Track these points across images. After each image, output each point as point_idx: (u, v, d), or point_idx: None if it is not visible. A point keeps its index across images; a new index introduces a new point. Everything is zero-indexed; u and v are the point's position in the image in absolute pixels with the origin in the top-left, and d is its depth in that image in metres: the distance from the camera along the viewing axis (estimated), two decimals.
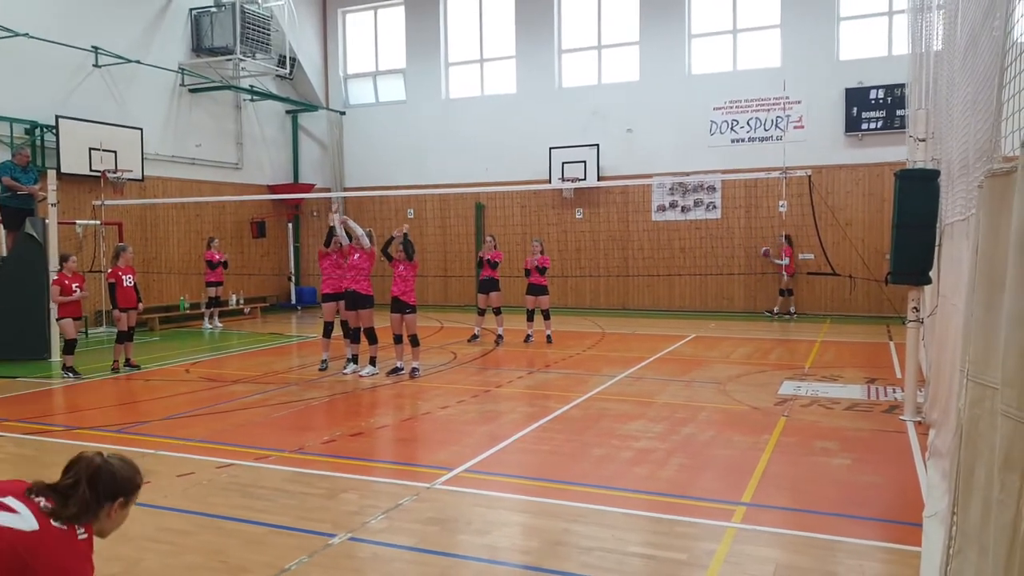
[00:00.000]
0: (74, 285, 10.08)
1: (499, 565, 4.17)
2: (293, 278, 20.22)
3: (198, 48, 17.33)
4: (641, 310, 17.70)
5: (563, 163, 17.91)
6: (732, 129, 17.04)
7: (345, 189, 20.29)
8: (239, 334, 14.95)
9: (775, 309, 16.12)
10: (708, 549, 4.31)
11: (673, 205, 17.57)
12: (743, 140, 16.93)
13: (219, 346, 13.43)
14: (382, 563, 4.22)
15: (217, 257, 15.79)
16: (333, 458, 6.23)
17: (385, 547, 4.40)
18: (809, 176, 11.61)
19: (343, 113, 20.77)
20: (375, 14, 20.66)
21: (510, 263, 18.66)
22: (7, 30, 13.08)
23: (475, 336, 12.91)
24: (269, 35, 17.81)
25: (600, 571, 4.05)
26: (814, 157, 15.73)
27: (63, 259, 10.33)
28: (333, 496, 5.29)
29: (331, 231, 10.37)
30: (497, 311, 12.75)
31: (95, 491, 2.39)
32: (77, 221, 13.61)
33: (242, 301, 17.79)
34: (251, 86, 18.42)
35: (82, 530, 2.36)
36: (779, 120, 16.56)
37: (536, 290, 12.73)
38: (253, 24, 17.31)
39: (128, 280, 10.55)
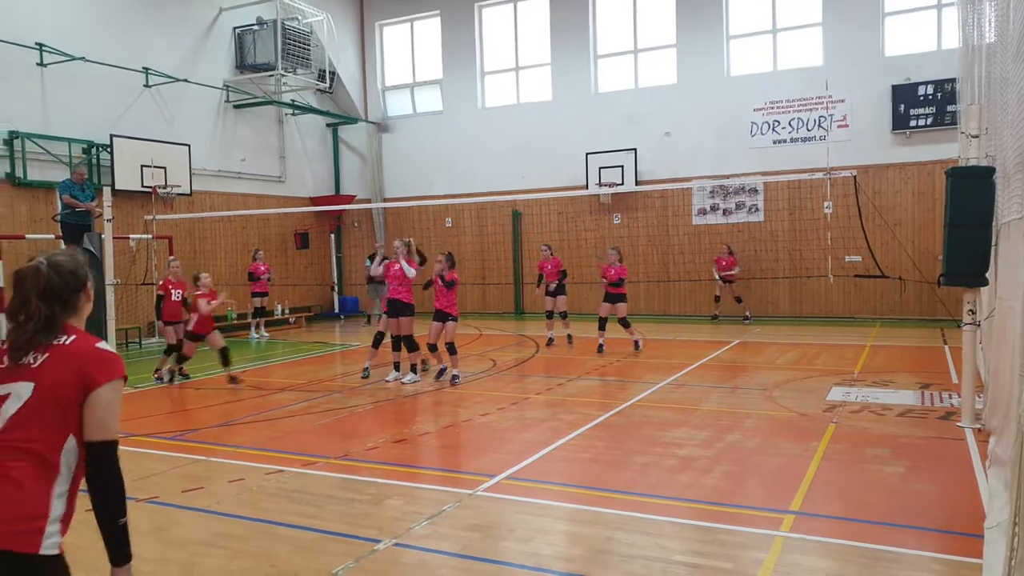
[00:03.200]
0: (205, 299, 10.06)
1: (543, 572, 4.18)
2: (336, 288, 20.52)
3: (241, 65, 17.75)
4: (682, 316, 17.55)
5: (600, 168, 17.88)
6: (773, 130, 16.82)
7: (384, 200, 20.55)
8: (284, 343, 15.22)
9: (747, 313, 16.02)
10: (755, 558, 4.25)
11: (714, 208, 17.39)
12: (785, 141, 16.70)
13: (265, 355, 13.68)
14: (428, 569, 4.26)
15: (262, 268, 16.15)
16: (377, 464, 6.31)
17: (430, 553, 4.44)
18: (855, 176, 11.38)
19: (382, 125, 21.05)
20: (411, 26, 20.92)
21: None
22: (65, 54, 13.58)
23: (550, 340, 13.34)
24: (309, 50, 18.16)
25: None
26: (860, 156, 15.44)
27: (195, 279, 10.30)
28: (378, 502, 5.36)
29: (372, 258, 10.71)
30: (563, 315, 13.35)
31: (52, 301, 2.34)
32: (131, 236, 14.03)
33: (287, 311, 18.12)
34: (292, 100, 18.80)
35: (65, 338, 2.33)
36: (822, 120, 16.29)
37: (615, 298, 12.49)
38: (294, 40, 17.68)
39: (177, 294, 10.71)
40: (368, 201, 20.41)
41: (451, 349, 10.02)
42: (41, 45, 13.44)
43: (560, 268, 13.67)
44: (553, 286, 13.54)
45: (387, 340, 10.62)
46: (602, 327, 12.58)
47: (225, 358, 10.12)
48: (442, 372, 10.23)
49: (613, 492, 5.47)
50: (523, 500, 5.36)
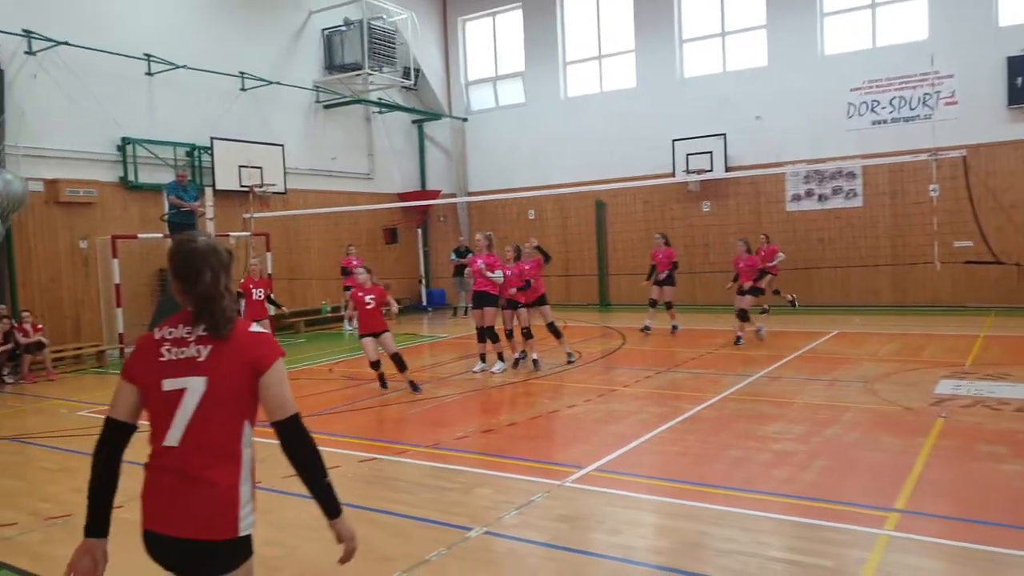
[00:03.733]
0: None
1: (633, 565, 4.14)
2: (423, 281, 20.91)
3: (330, 66, 18.28)
4: (777, 306, 16.97)
5: (687, 155, 17.49)
6: (872, 111, 16.02)
7: (468, 194, 20.77)
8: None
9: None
10: (858, 557, 4.09)
11: (809, 194, 16.74)
12: (885, 121, 15.87)
13: (358, 347, 14.06)
14: (518, 558, 4.29)
15: (354, 263, 16.57)
16: (467, 453, 6.40)
17: (520, 542, 4.47)
18: (964, 157, 10.71)
19: (465, 119, 21.27)
20: (493, 20, 21.01)
21: (633, 260, 18.48)
22: (169, 63, 14.34)
23: (646, 327, 13.31)
24: (394, 48, 18.51)
25: (741, 575, 3.93)
26: (970, 135, 14.49)
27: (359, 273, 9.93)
28: (468, 491, 5.44)
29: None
30: (668, 305, 13.43)
31: (228, 280, 2.39)
32: (230, 233, 14.70)
33: None
34: (379, 99, 19.22)
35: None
36: (927, 97, 15.40)
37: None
38: (380, 39, 18.06)
39: (258, 294, 10.74)
40: (453, 195, 20.68)
41: (528, 334, 10.26)
42: (149, 56, 14.23)
43: (672, 259, 13.48)
44: (663, 275, 13.44)
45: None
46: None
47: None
48: (522, 357, 10.46)
49: (705, 486, 5.37)
50: (612, 492, 5.32)
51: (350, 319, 15.64)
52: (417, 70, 19.64)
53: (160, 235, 14.06)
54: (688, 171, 17.20)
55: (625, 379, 9.59)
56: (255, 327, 2.47)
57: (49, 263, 12.96)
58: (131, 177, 14.04)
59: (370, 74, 17.89)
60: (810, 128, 16.38)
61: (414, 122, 21.13)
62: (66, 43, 12.72)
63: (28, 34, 12.45)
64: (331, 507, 2.45)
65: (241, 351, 2.34)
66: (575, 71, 19.83)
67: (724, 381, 9.08)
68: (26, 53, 12.53)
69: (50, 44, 12.62)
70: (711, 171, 16.92)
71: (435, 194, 20.38)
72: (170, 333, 2.36)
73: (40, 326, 11.87)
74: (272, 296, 11.22)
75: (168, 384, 2.31)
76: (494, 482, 5.64)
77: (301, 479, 2.40)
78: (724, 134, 17.20)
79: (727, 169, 16.94)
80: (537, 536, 4.55)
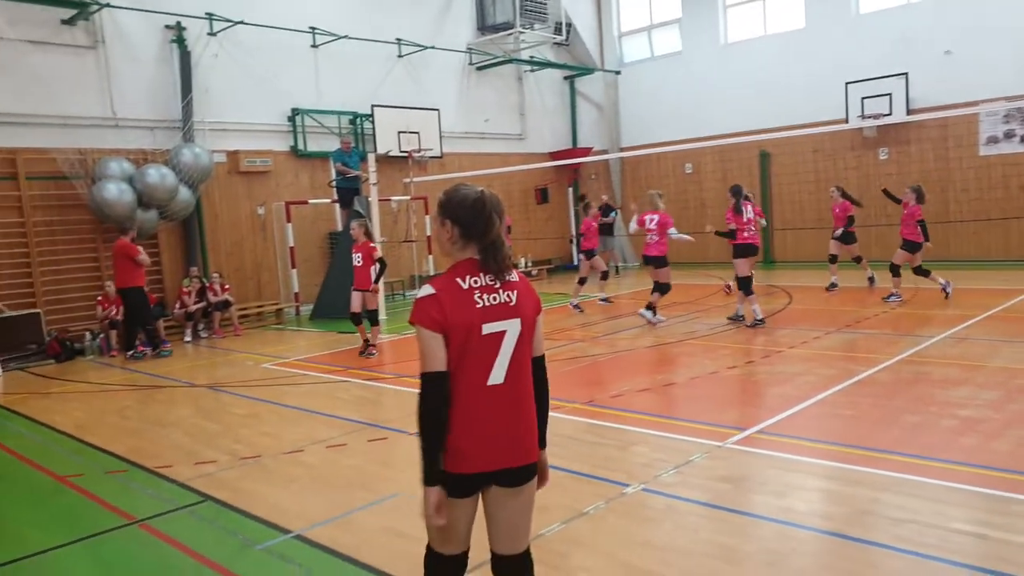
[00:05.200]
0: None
1: (799, 528, 3.97)
2: (574, 240, 20.88)
3: (482, 27, 18.43)
4: (966, 261, 15.41)
5: (863, 98, 16.09)
6: None
7: (621, 149, 20.37)
8: None
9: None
10: None
11: (1009, 135, 14.93)
12: None
13: None
14: (677, 515, 4.24)
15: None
16: (622, 412, 6.38)
17: (678, 500, 4.41)
18: None
19: (618, 73, 20.77)
20: None
21: (802, 213, 17.41)
22: (332, 34, 15.08)
23: (832, 285, 12.79)
24: (545, 4, 18.32)
25: (918, 546, 3.66)
26: None
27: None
28: (624, 448, 5.43)
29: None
30: (858, 259, 12.88)
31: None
32: (392, 198, 15.38)
33: (529, 264, 18.84)
34: (531, 57, 19.19)
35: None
36: None
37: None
38: None
39: (357, 259, 9.79)
40: (604, 152, 20.38)
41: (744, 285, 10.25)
42: (313, 28, 15.02)
43: (848, 212, 12.67)
44: (839, 232, 12.77)
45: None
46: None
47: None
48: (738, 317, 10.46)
49: (878, 452, 5.02)
50: (776, 455, 5.11)
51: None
52: (569, 25, 19.39)
53: (328, 200, 14.96)
54: (863, 116, 15.86)
55: (790, 340, 9.12)
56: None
57: (232, 228, 14.19)
58: (300, 146, 14.99)
59: (522, 32, 17.87)
60: (1013, 61, 14.49)
61: (565, 78, 20.94)
62: (241, 22, 13.68)
63: (210, 16, 13.50)
64: (544, 437, 2.69)
65: (531, 294, 2.61)
66: (736, 14, 18.74)
67: (902, 343, 8.41)
68: (208, 34, 13.62)
69: (228, 24, 13.62)
70: (890, 115, 15.51)
71: (586, 151, 20.19)
72: (475, 282, 2.50)
73: (227, 286, 13.08)
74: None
75: (488, 328, 2.48)
76: (651, 440, 5.59)
77: (543, 410, 2.65)
78: (906, 73, 15.65)
79: (908, 112, 15.46)
80: (696, 495, 4.47)
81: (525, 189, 19.80)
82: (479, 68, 18.55)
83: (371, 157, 13.21)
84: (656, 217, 10.54)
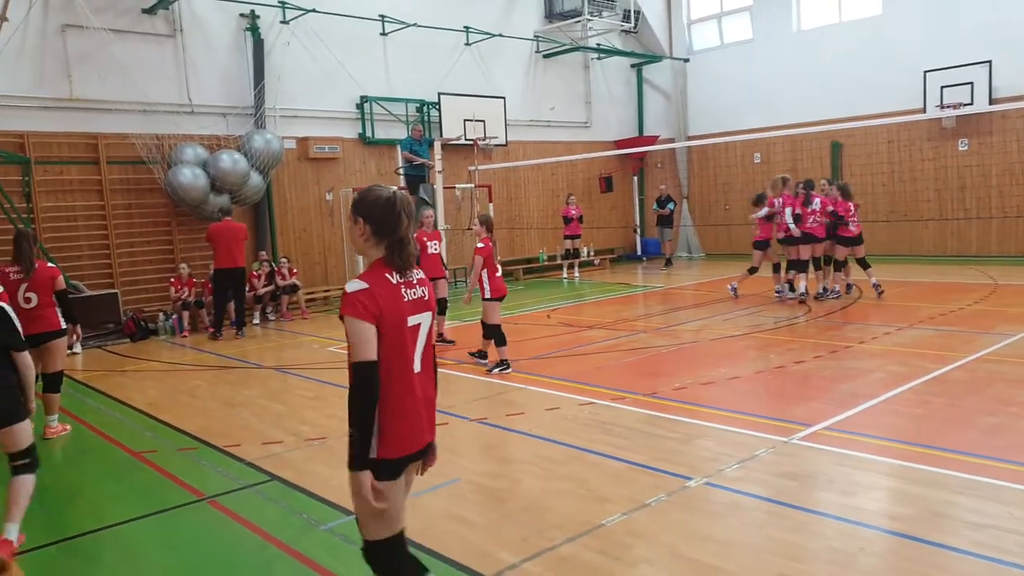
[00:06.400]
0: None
1: (867, 528, 3.87)
2: (638, 230, 20.67)
3: (550, 14, 18.34)
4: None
5: (942, 87, 15.43)
6: None
7: (688, 138, 20.03)
8: (590, 283, 15.80)
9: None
10: None
11: None
12: None
13: (574, 294, 14.34)
14: (741, 511, 4.18)
15: (572, 212, 16.94)
16: (685, 404, 6.30)
17: (742, 495, 4.35)
18: None
19: (687, 60, 20.40)
20: None
21: (875, 204, 16.83)
22: (400, 22, 15.23)
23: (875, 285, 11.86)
24: None
25: (995, 551, 3.52)
26: None
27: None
28: (687, 441, 5.37)
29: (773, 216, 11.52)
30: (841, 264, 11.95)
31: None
32: (456, 185, 15.49)
33: (592, 253, 18.74)
34: (598, 44, 19.00)
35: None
36: None
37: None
38: None
39: (433, 247, 9.49)
40: (671, 141, 20.07)
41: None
42: (383, 16, 15.19)
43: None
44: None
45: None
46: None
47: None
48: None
49: (952, 453, 4.85)
50: (844, 452, 4.98)
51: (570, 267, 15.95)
52: (637, 12, 19.13)
53: (394, 188, 15.14)
54: (942, 105, 15.20)
55: (860, 335, 8.85)
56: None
57: (301, 214, 14.53)
58: (368, 133, 15.22)
59: (589, 19, 17.72)
60: None
61: (633, 66, 20.67)
62: (313, 10, 13.94)
63: (283, 4, 13.81)
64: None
65: (432, 290, 2.86)
66: (810, 1, 18.17)
67: (980, 340, 8.07)
68: (281, 23, 13.92)
69: (300, 12, 13.90)
70: (971, 104, 14.83)
71: (652, 140, 19.91)
72: (397, 279, 2.67)
73: (295, 270, 13.41)
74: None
75: (412, 320, 2.68)
76: (714, 434, 5.52)
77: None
78: (989, 61, 14.93)
79: (991, 101, 14.74)
80: (760, 491, 4.40)
81: (589, 178, 19.67)
82: (545, 56, 18.47)
83: (437, 144, 13.32)
84: (781, 200, 11.24)
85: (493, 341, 8.03)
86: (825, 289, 11.50)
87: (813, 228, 11.09)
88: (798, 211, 11.07)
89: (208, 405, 7.38)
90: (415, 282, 2.72)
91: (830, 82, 17.21)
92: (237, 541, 4.22)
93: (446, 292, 9.98)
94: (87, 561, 4.09)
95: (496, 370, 7.77)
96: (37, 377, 5.08)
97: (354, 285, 2.58)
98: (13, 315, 4.24)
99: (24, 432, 4.14)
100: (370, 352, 2.52)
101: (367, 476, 2.54)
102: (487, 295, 8.07)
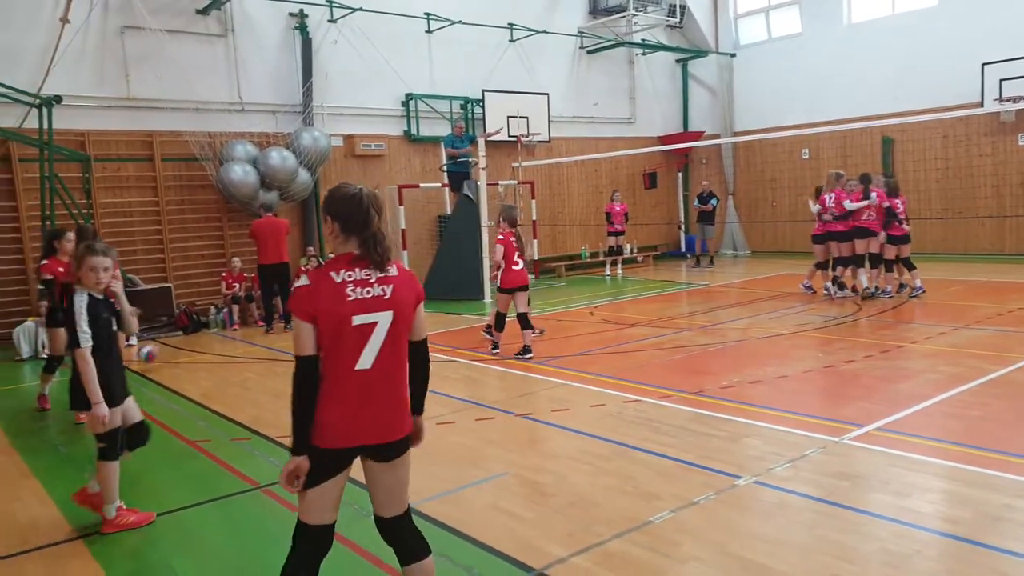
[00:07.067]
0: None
1: (922, 531, 3.80)
2: (682, 227, 20.46)
3: (594, 10, 18.25)
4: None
5: (1001, 80, 14.95)
6: None
7: (734, 133, 19.76)
8: (634, 280, 15.71)
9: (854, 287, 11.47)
10: None
11: None
12: None
13: (617, 291, 14.28)
14: (791, 511, 4.14)
15: (617, 209, 16.89)
16: (732, 403, 6.24)
17: (792, 495, 4.30)
18: None
19: (733, 55, 20.12)
20: None
21: (928, 202, 16.40)
22: (445, 19, 15.33)
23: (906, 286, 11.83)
24: None
25: None
26: None
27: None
28: (735, 440, 5.32)
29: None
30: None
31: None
32: (500, 182, 15.53)
33: (635, 249, 18.62)
34: (643, 40, 18.85)
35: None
36: None
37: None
38: None
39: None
40: (716, 136, 19.82)
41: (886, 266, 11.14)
42: (428, 14, 15.30)
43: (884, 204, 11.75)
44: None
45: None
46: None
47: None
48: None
49: (1011, 456, 4.72)
50: (897, 453, 4.89)
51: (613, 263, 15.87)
52: (683, 6, 18.94)
53: (438, 184, 15.27)
54: (1001, 99, 14.73)
55: (914, 335, 8.65)
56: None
57: None
58: (413, 131, 15.35)
59: (634, 15, 17.60)
60: None
61: (678, 61, 20.47)
62: (360, 9, 14.11)
63: (331, 3, 14.01)
64: (422, 405, 2.94)
65: (411, 286, 2.81)
66: None
67: None
68: (328, 21, 14.13)
69: (347, 11, 14.08)
70: None
71: (698, 135, 19.69)
72: (349, 276, 2.67)
73: None
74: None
75: (359, 319, 2.65)
76: (763, 433, 5.46)
77: (419, 392, 2.91)
78: None
79: None
80: (811, 491, 4.34)
81: (632, 174, 19.54)
82: (589, 52, 18.40)
83: (480, 141, 13.39)
84: (833, 195, 11.28)
85: (521, 329, 8.53)
86: (877, 288, 11.29)
87: (869, 222, 10.99)
88: (851, 202, 10.98)
89: (259, 397, 7.55)
90: (375, 281, 2.68)
91: (881, 76, 16.81)
92: (291, 528, 4.29)
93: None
94: (150, 543, 4.23)
95: (517, 357, 8.34)
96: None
97: (301, 281, 2.70)
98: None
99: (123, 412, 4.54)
100: (306, 348, 2.63)
101: (299, 460, 2.68)
102: (499, 284, 8.62)
